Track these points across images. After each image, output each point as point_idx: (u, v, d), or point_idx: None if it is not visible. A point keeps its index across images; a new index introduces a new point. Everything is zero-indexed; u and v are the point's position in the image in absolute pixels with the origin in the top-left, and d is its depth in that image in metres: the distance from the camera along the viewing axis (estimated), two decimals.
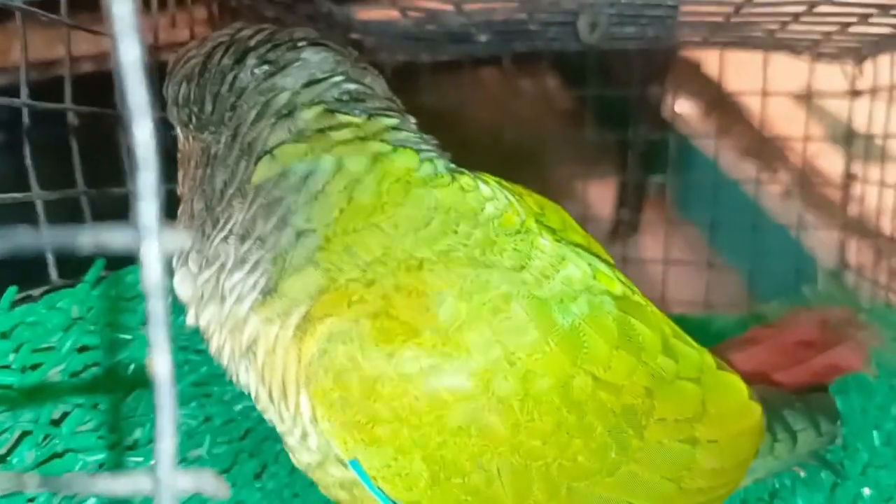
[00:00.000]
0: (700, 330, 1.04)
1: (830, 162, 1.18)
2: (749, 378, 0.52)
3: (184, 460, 0.53)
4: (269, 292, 0.39)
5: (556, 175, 1.25)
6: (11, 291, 0.46)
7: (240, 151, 0.39)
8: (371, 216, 0.39)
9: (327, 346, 0.37)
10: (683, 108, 1.29)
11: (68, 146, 0.61)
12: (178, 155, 0.45)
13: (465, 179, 0.42)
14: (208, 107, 0.40)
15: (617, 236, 1.24)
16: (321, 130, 0.39)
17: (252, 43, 0.40)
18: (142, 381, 0.51)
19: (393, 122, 0.41)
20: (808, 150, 1.20)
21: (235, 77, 0.39)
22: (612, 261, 0.48)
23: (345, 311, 0.37)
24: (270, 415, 0.42)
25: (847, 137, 1.15)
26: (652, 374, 0.41)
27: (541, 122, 1.27)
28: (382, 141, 0.40)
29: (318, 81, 0.40)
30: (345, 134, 0.40)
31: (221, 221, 0.40)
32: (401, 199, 0.39)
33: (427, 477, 0.37)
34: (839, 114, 1.16)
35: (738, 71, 1.19)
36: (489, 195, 0.42)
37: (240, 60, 0.40)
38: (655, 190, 1.30)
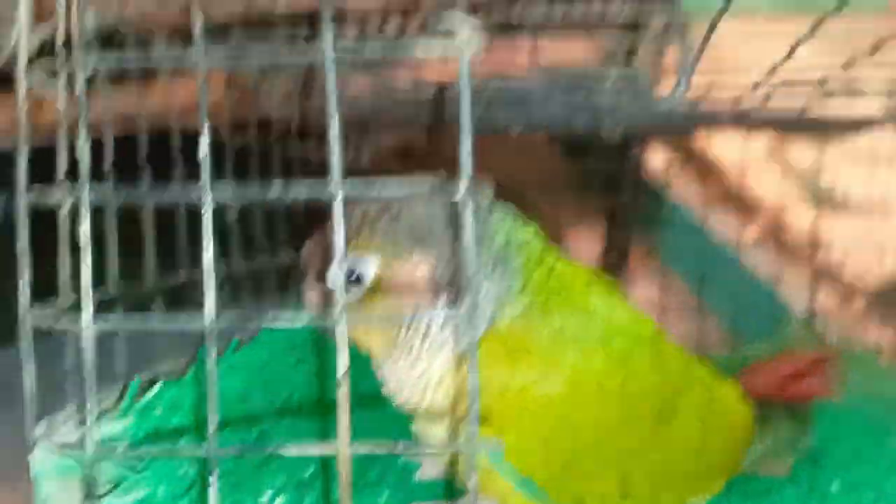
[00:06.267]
0: None
1: (799, 213, 1.32)
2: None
3: None
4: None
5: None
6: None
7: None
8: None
9: None
10: (658, 161, 1.40)
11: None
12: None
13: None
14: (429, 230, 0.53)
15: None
16: None
17: None
18: None
19: None
20: (779, 202, 1.34)
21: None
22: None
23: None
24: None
25: (814, 190, 1.29)
26: (676, 384, 0.58)
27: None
28: None
29: None
30: None
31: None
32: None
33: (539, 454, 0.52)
34: (808, 167, 1.29)
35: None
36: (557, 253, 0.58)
37: None
38: (639, 239, 1.42)
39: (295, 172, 0.84)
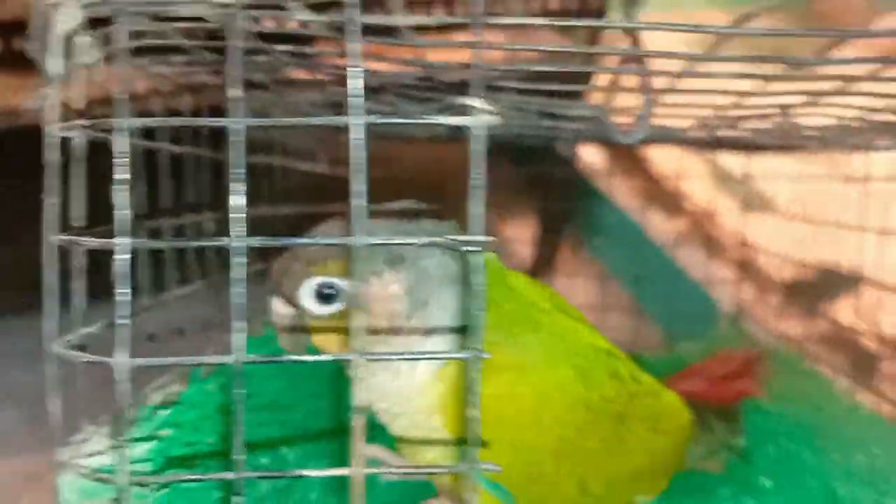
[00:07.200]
0: None
1: (729, 215, 1.39)
2: None
3: None
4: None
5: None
6: None
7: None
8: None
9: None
10: (596, 163, 1.46)
11: None
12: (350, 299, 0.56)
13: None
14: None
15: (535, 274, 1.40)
16: None
17: None
18: None
19: None
20: (710, 204, 1.41)
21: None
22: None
23: None
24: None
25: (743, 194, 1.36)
26: (629, 392, 0.64)
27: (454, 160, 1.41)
28: None
29: None
30: None
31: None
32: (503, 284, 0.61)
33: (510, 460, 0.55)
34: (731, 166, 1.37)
35: None
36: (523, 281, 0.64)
37: None
38: (577, 240, 1.48)
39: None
